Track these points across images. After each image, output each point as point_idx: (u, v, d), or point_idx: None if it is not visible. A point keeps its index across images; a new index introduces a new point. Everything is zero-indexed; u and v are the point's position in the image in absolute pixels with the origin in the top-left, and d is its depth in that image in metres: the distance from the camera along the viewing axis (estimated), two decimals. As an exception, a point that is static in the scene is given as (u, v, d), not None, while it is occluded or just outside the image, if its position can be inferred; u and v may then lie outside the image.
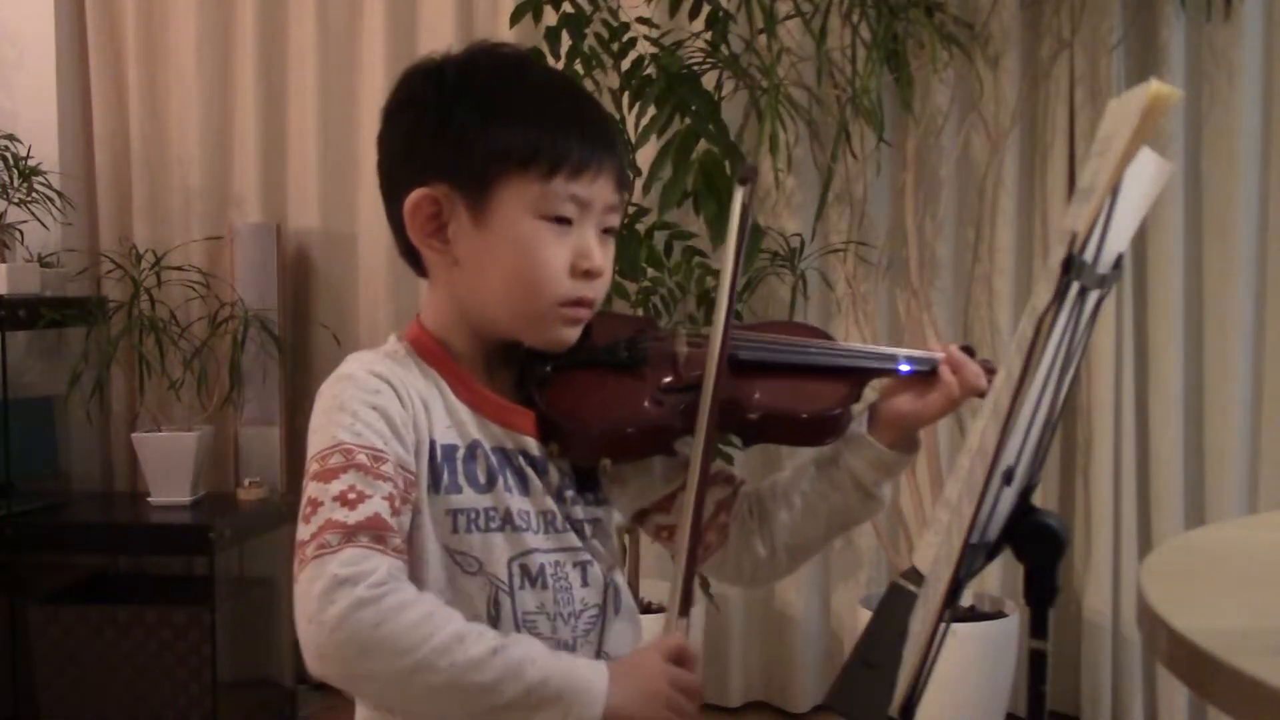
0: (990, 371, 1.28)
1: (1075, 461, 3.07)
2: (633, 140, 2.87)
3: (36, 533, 3.08)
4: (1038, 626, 0.97)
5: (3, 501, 3.06)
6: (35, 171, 3.24)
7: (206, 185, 3.50)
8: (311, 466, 1.09)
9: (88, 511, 3.35)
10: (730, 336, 1.21)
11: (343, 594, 1.00)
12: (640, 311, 2.80)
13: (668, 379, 1.24)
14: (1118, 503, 2.96)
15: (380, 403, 1.12)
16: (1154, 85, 0.81)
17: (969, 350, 1.28)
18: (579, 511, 1.21)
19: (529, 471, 1.18)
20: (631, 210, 2.92)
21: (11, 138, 3.25)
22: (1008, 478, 0.90)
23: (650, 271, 2.90)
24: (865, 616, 2.87)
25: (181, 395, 3.33)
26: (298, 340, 3.49)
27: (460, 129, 1.17)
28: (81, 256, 3.47)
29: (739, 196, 1.23)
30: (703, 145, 2.78)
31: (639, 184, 2.94)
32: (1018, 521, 0.98)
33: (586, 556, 1.20)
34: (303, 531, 1.05)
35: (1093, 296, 0.91)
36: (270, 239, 3.35)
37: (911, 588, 1.06)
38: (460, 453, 1.16)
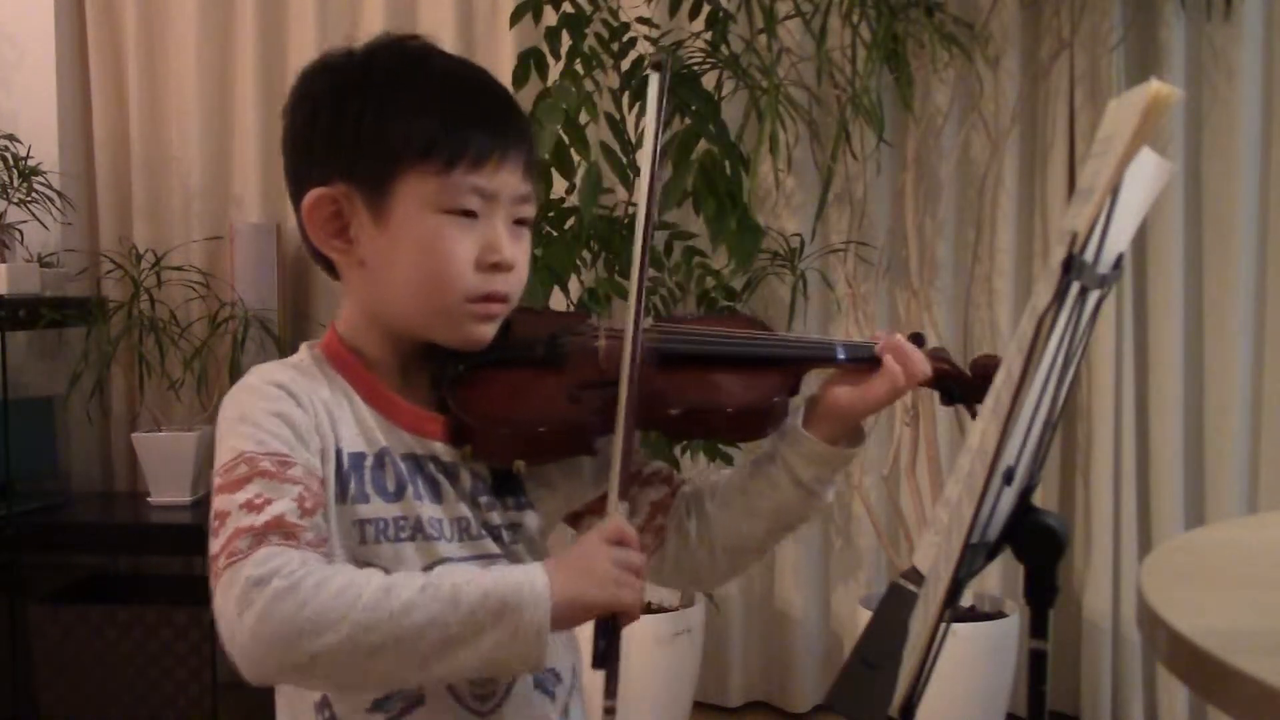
0: (940, 360, 1.24)
1: (1075, 461, 3.07)
2: (633, 140, 2.87)
3: (36, 533, 3.09)
4: (1038, 626, 0.97)
5: (3, 501, 3.06)
6: (35, 171, 3.24)
7: (206, 185, 3.50)
8: (216, 481, 1.06)
9: (88, 511, 3.35)
10: (646, 329, 1.17)
11: (258, 593, 0.97)
12: (649, 317, 2.79)
13: (585, 375, 1.19)
14: (1118, 503, 2.96)
15: (282, 409, 1.09)
16: (1154, 85, 0.81)
17: (918, 339, 1.24)
18: (496, 517, 1.16)
19: (440, 478, 1.14)
20: (632, 210, 2.93)
21: (11, 138, 3.25)
22: (1008, 478, 0.90)
23: (650, 271, 2.89)
24: (865, 616, 2.87)
25: (181, 395, 3.33)
26: (298, 340, 3.45)
27: (355, 125, 1.13)
28: (81, 256, 3.47)
29: (652, 89, 1.18)
30: (703, 145, 2.79)
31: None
32: (1018, 521, 0.98)
33: (505, 563, 1.14)
34: (213, 545, 1.02)
35: (1093, 296, 0.91)
36: (270, 239, 3.35)
37: (911, 588, 1.06)
38: (368, 461, 1.12)
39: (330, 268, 1.20)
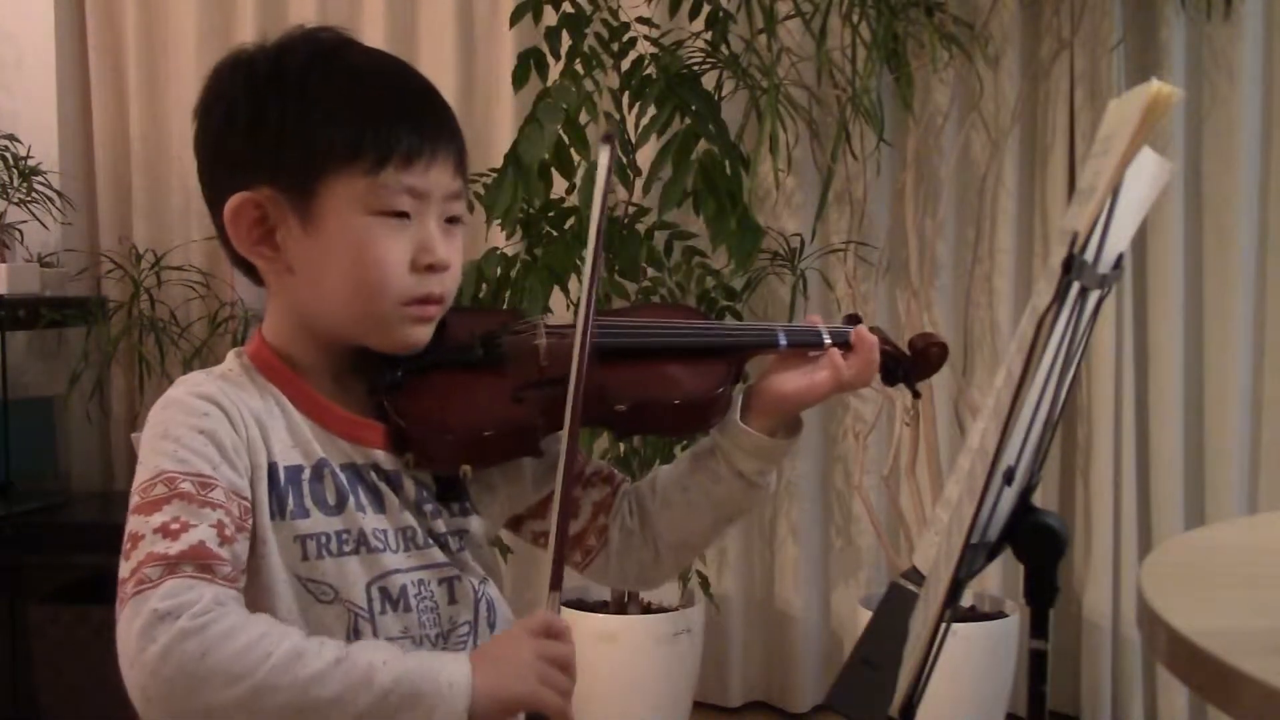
0: (880, 340, 1.20)
1: (1075, 461, 3.07)
2: (633, 140, 2.87)
3: (36, 533, 3.08)
4: (1038, 626, 0.97)
5: (3, 501, 3.06)
6: (35, 171, 3.24)
7: (206, 185, 3.49)
8: (133, 499, 1.01)
9: (88, 511, 3.35)
10: (594, 322, 1.11)
11: (163, 629, 0.92)
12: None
13: (527, 375, 1.15)
14: (1118, 503, 2.95)
15: (208, 426, 1.04)
16: (1154, 85, 0.81)
17: (854, 319, 1.22)
18: (441, 524, 1.13)
19: (382, 487, 1.10)
20: (632, 210, 2.93)
21: (11, 138, 3.25)
22: (1008, 478, 0.90)
23: (650, 271, 2.90)
24: (865, 616, 2.87)
25: (181, 395, 3.33)
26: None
27: (276, 126, 1.08)
28: (81, 256, 3.47)
29: (603, 159, 1.14)
30: (703, 145, 2.78)
31: (639, 184, 2.94)
32: (1018, 521, 0.98)
33: (454, 571, 1.12)
34: (123, 569, 0.97)
35: (1093, 296, 0.91)
36: (270, 239, 3.35)
37: (911, 588, 1.06)
38: (306, 474, 1.08)
39: (252, 273, 1.15)
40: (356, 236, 1.08)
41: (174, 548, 0.97)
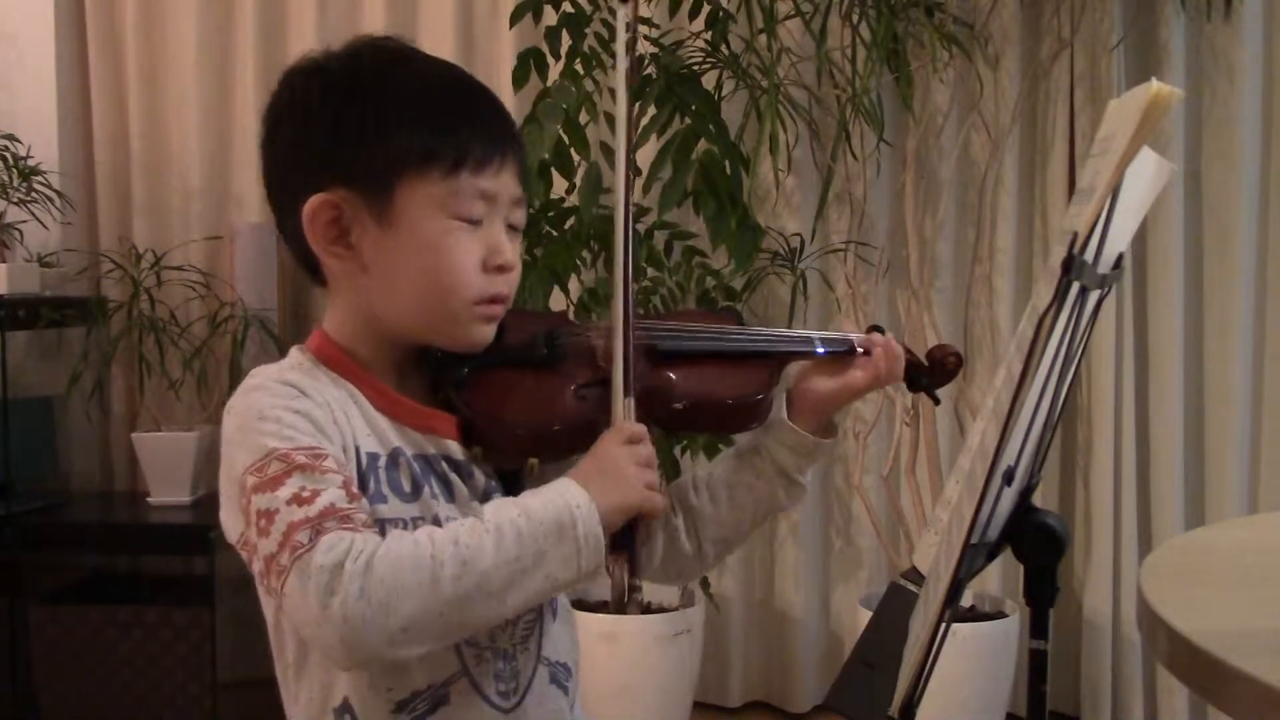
0: (906, 351, 1.31)
1: (1075, 461, 3.07)
2: (633, 140, 2.87)
3: (36, 533, 3.08)
4: (1038, 626, 0.97)
5: (3, 501, 3.06)
6: (35, 171, 3.23)
7: (206, 185, 3.50)
8: (249, 480, 1.04)
9: (88, 511, 3.34)
10: (649, 326, 1.23)
11: (337, 580, 0.97)
12: (640, 312, 2.79)
13: (589, 372, 1.21)
14: (1118, 503, 2.96)
15: (301, 406, 1.09)
16: (1154, 85, 0.81)
17: (878, 329, 1.31)
18: None
19: (453, 477, 1.15)
20: (632, 210, 2.92)
21: (11, 138, 3.25)
22: (1008, 478, 0.90)
23: (650, 271, 2.90)
24: (865, 616, 2.87)
25: (181, 395, 3.33)
26: (298, 340, 3.47)
27: (355, 130, 1.13)
28: (81, 256, 3.46)
29: (622, 19, 1.22)
30: (703, 145, 2.79)
31: (639, 184, 2.94)
32: (1018, 521, 0.98)
33: None
34: (266, 546, 1.01)
35: (1093, 296, 0.91)
36: (270, 239, 3.35)
37: (911, 588, 1.06)
38: (382, 461, 1.12)
39: (316, 274, 1.19)
40: (433, 238, 1.13)
41: (312, 510, 1.01)
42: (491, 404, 1.17)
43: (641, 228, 2.91)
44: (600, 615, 2.90)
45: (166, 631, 2.91)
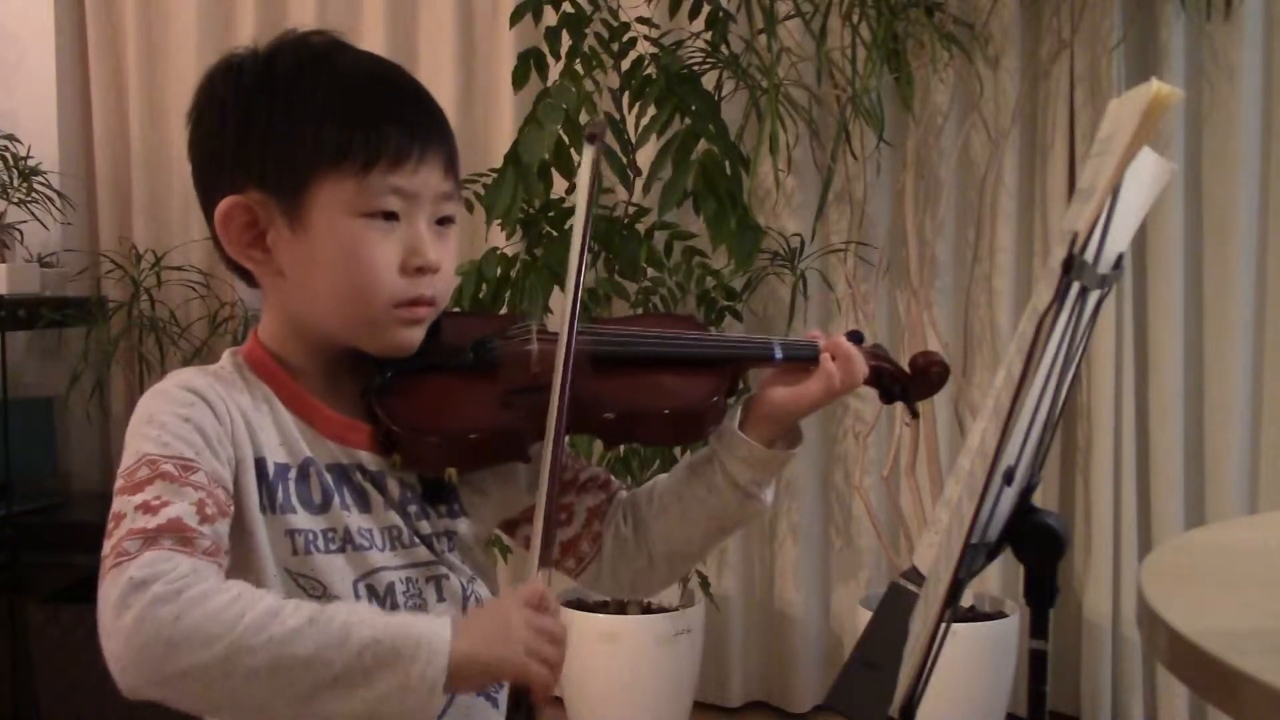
0: (878, 358, 1.22)
1: (1075, 461, 3.06)
2: (633, 140, 2.87)
3: (36, 533, 3.08)
4: (1038, 626, 0.97)
5: (3, 501, 3.06)
6: (35, 171, 3.24)
7: (206, 185, 3.49)
8: (118, 483, 1.02)
9: (88, 511, 3.34)
10: (578, 331, 1.11)
11: (137, 597, 0.94)
12: (640, 311, 2.80)
13: (517, 380, 1.15)
14: (1118, 503, 2.95)
15: (193, 415, 1.05)
16: (1154, 85, 0.81)
17: (857, 336, 1.22)
18: (427, 526, 1.13)
19: (367, 487, 1.11)
20: (632, 210, 2.93)
21: (11, 138, 3.25)
22: (1008, 478, 0.90)
23: (650, 271, 2.90)
24: (865, 616, 2.87)
25: (181, 395, 3.33)
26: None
27: (264, 129, 1.09)
28: (81, 256, 3.47)
29: (588, 156, 1.16)
30: (703, 145, 2.79)
31: (639, 184, 2.94)
32: (1018, 521, 0.98)
33: (442, 570, 1.13)
34: (105, 545, 0.99)
35: (1093, 296, 0.91)
36: (270, 239, 3.35)
37: (911, 588, 1.06)
38: (292, 473, 1.09)
39: (247, 276, 1.16)
40: (345, 239, 1.09)
41: (153, 522, 0.98)
42: (408, 411, 1.12)
43: (641, 228, 2.91)
44: (600, 615, 2.90)
45: (166, 631, 2.91)
